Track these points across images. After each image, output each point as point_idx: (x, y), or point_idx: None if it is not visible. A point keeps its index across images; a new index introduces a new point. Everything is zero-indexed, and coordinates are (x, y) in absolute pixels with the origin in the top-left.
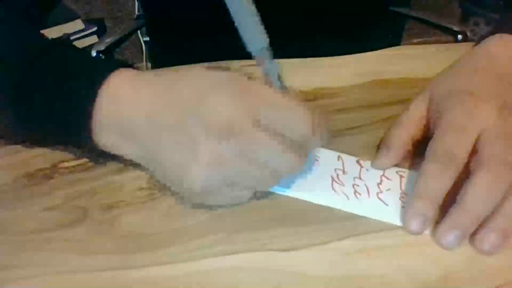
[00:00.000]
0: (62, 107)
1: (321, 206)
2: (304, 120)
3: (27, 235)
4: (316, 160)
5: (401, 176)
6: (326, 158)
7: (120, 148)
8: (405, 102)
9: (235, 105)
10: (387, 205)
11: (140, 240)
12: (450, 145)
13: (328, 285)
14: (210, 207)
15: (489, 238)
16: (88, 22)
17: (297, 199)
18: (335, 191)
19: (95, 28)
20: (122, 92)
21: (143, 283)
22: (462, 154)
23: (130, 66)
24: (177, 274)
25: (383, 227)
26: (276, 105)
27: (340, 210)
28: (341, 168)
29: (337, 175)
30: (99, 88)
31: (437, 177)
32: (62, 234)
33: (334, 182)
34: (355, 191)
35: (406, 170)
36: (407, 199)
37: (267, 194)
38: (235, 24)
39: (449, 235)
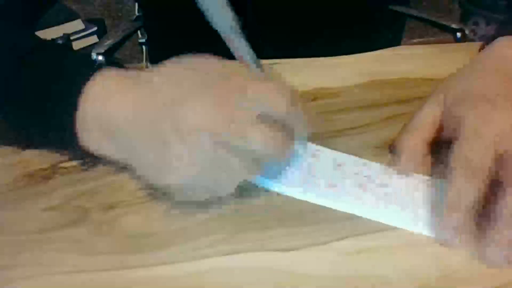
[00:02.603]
0: (46, 107)
1: (321, 206)
2: (281, 96)
3: (27, 235)
4: (343, 167)
5: (430, 186)
6: (353, 165)
7: (102, 149)
8: (405, 102)
9: (210, 111)
10: (417, 215)
11: (140, 240)
12: (477, 155)
13: (328, 285)
14: (210, 207)
15: (494, 253)
16: (88, 22)
17: (295, 199)
18: (363, 199)
19: (95, 28)
20: (107, 92)
21: (143, 283)
22: (489, 162)
23: (118, 64)
24: (177, 274)
25: (383, 227)
26: (254, 92)
27: (340, 210)
28: (369, 175)
29: (366, 183)
30: (83, 88)
31: (468, 188)
32: (62, 234)
33: (359, 189)
34: (384, 201)
35: (436, 180)
36: (438, 209)
37: (267, 194)
38: (201, 8)
39: (499, 253)
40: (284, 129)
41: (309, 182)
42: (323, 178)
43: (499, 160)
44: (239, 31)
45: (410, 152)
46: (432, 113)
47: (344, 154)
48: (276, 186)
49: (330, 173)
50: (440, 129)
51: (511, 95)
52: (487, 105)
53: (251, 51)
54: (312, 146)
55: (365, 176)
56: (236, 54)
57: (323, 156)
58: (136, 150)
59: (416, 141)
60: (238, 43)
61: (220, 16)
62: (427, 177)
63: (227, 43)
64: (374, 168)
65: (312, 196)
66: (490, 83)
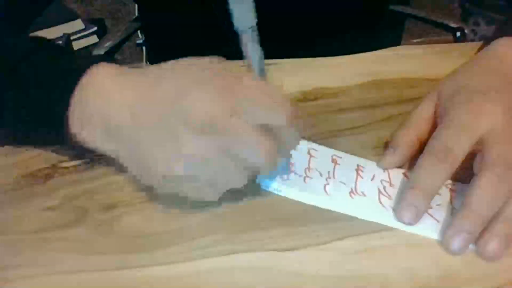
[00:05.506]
0: (40, 102)
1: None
2: (281, 109)
3: (27, 235)
4: (361, 171)
5: (451, 190)
6: (372, 170)
7: (101, 144)
8: (405, 102)
9: (215, 101)
10: (438, 221)
11: (140, 240)
12: (449, 141)
13: (328, 285)
14: (210, 207)
15: (491, 244)
16: (88, 22)
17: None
18: (383, 205)
19: (95, 28)
20: (105, 87)
21: (143, 283)
22: (460, 151)
23: (114, 61)
24: (177, 274)
25: (383, 227)
26: (255, 98)
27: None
28: (388, 180)
29: (384, 187)
30: (77, 81)
31: (431, 170)
32: (62, 234)
33: (381, 195)
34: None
35: (457, 183)
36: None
37: (267, 194)
38: (228, 1)
39: (456, 239)
40: (277, 140)
41: (331, 190)
42: (346, 186)
43: (478, 153)
44: (257, 34)
45: (400, 146)
46: (427, 110)
47: (363, 159)
48: (300, 196)
49: (350, 179)
50: (435, 125)
51: (505, 93)
52: (478, 100)
53: (261, 56)
54: (330, 151)
55: (386, 181)
56: (245, 55)
57: (343, 161)
58: (139, 147)
59: (409, 137)
60: (251, 45)
61: (244, 15)
62: (455, 183)
63: (240, 42)
64: (395, 173)
65: (336, 205)
66: (484, 80)
